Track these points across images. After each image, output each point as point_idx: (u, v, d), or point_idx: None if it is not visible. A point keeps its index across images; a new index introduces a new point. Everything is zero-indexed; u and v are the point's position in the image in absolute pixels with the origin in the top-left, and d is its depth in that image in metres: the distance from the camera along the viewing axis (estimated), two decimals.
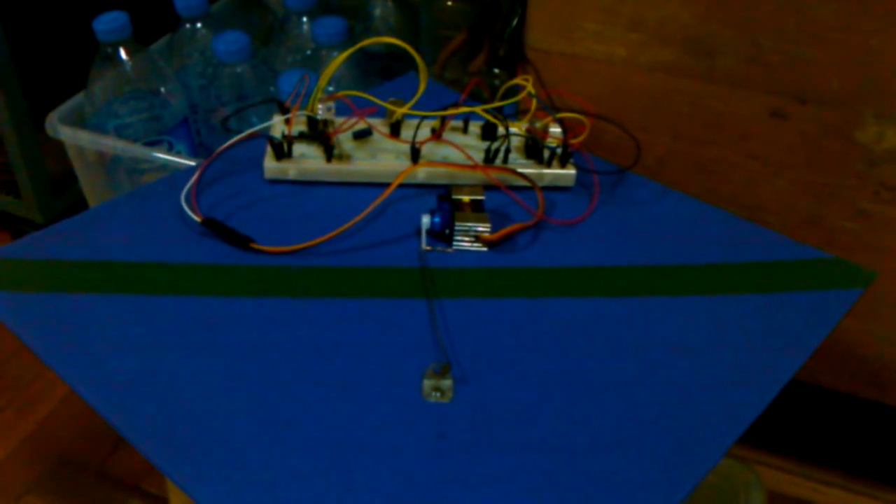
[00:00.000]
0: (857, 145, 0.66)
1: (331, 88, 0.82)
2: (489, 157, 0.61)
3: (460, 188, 0.58)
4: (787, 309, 0.53)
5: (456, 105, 0.62)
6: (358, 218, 0.57)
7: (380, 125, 0.63)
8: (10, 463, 0.89)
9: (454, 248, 0.56)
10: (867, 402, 0.78)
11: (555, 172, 0.61)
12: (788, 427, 0.90)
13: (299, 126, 0.62)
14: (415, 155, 0.61)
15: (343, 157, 0.61)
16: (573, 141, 0.61)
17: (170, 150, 0.86)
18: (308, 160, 0.61)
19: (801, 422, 0.90)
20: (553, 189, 0.62)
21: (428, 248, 0.56)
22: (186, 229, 0.56)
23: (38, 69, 1.06)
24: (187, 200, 0.58)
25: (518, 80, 0.62)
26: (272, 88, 0.85)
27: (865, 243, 0.70)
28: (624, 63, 0.70)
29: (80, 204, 0.96)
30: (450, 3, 0.93)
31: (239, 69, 0.84)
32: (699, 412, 0.46)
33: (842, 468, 0.87)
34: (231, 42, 0.82)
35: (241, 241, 0.55)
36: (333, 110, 0.62)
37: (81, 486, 0.87)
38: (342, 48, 0.84)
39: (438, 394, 0.46)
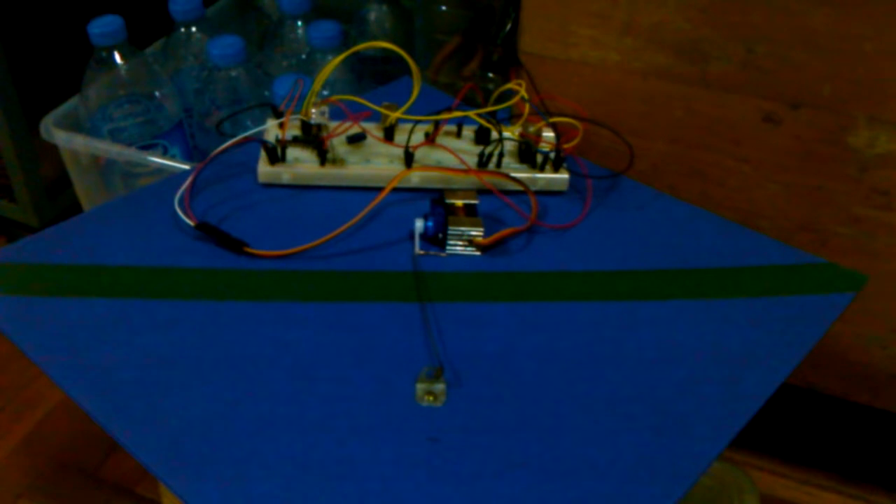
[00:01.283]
0: (849, 150, 0.66)
1: (325, 92, 0.82)
2: (482, 162, 0.61)
3: (454, 192, 0.58)
4: (779, 313, 0.53)
5: (450, 109, 0.62)
6: (351, 222, 0.57)
7: (374, 129, 0.63)
8: (6, 466, 0.89)
9: (447, 252, 0.56)
10: (860, 406, 0.79)
11: (548, 177, 0.61)
12: (781, 430, 0.90)
13: (293, 130, 0.62)
14: (408, 159, 0.61)
15: (337, 162, 0.61)
16: (566, 145, 0.61)
17: (164, 154, 0.86)
18: (302, 164, 0.61)
19: (794, 425, 0.90)
20: (546, 193, 0.62)
21: (421, 252, 0.56)
22: (180, 233, 0.57)
23: (32, 73, 1.06)
24: (181, 204, 0.58)
25: (511, 85, 0.62)
26: (267, 92, 0.85)
27: (857, 247, 0.70)
28: (618, 68, 0.71)
29: (75, 207, 0.96)
30: (444, 8, 0.93)
31: (233, 73, 0.84)
32: (691, 416, 0.46)
33: (835, 471, 0.87)
34: (226, 46, 0.82)
35: (234, 245, 0.55)
36: (327, 114, 0.62)
37: (76, 490, 0.87)
38: (337, 52, 0.84)
39: (431, 398, 0.46)
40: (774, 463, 0.88)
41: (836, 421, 0.88)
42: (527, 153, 0.62)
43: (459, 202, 0.58)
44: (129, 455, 0.43)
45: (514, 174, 0.60)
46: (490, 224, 0.58)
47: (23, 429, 0.93)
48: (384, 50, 0.85)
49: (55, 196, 1.10)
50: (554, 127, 0.62)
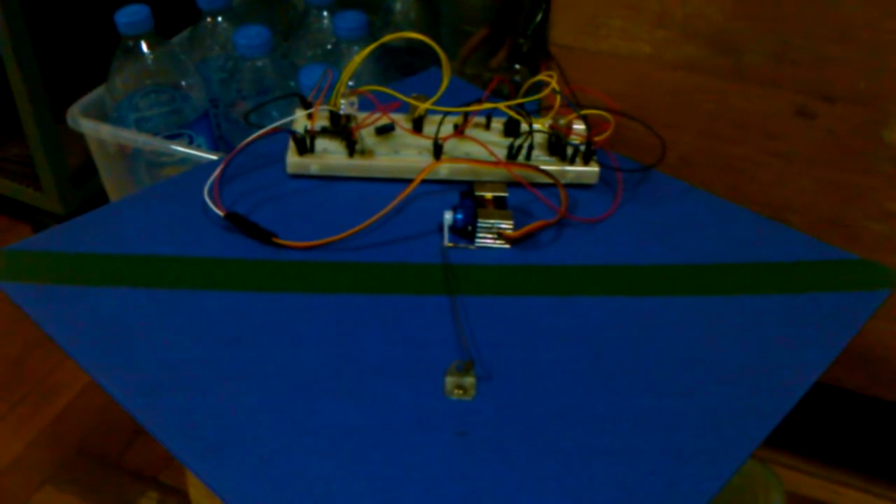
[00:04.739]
0: (883, 145, 0.65)
1: (351, 83, 0.82)
2: (512, 154, 0.61)
3: (483, 185, 0.58)
4: (811, 310, 0.52)
5: (479, 101, 0.62)
6: (380, 213, 0.56)
7: (402, 121, 0.63)
8: (29, 453, 0.90)
9: (477, 244, 0.56)
10: (889, 404, 0.78)
11: (578, 170, 0.61)
12: (809, 428, 0.90)
13: (322, 121, 0.62)
14: (437, 151, 0.60)
15: (365, 153, 0.61)
16: (597, 138, 0.61)
17: (190, 144, 0.86)
18: (330, 155, 0.61)
19: (822, 423, 0.90)
20: (576, 186, 0.61)
21: (450, 244, 0.56)
22: (209, 223, 0.56)
23: (59, 62, 1.06)
24: (210, 194, 0.58)
25: (542, 77, 0.61)
26: (292, 83, 0.85)
27: (891, 244, 0.69)
28: (649, 60, 0.70)
29: (101, 196, 0.97)
30: None
31: (259, 63, 0.84)
32: (723, 411, 0.45)
33: (862, 470, 0.86)
34: (252, 36, 0.82)
35: (263, 236, 0.55)
36: (356, 105, 0.61)
37: (99, 477, 0.88)
38: (363, 43, 0.84)
39: (461, 391, 0.46)
40: (801, 460, 0.88)
41: (863, 419, 0.87)
42: (557, 146, 0.61)
43: (489, 194, 0.57)
44: (153, 443, 0.43)
45: (543, 167, 0.60)
46: (520, 217, 0.57)
47: (46, 416, 0.94)
48: (408, 41, 0.84)
49: (80, 184, 1.11)
50: (584, 119, 0.61)
